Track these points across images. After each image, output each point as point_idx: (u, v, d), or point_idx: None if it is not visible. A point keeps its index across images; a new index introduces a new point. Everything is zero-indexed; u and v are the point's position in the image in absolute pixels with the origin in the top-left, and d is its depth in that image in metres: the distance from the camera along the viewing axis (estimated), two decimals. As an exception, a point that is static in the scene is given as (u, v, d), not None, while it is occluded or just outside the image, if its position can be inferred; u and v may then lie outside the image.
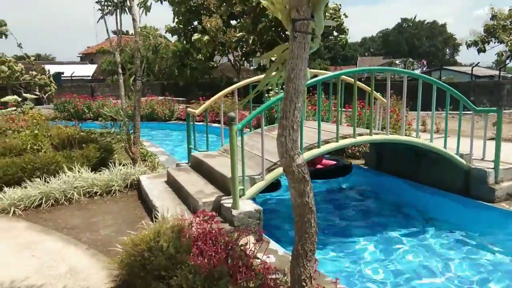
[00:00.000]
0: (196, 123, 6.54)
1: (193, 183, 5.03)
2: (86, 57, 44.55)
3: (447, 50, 71.02)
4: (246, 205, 4.12)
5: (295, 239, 2.41)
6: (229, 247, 3.35)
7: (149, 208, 5.11)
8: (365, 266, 4.42)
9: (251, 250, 3.32)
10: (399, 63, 45.89)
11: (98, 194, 5.70)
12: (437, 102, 5.47)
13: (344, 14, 18.77)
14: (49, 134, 8.24)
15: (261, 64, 22.56)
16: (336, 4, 18.50)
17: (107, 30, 6.92)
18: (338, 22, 18.46)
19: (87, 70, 36.92)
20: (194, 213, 4.26)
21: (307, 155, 4.67)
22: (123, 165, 6.48)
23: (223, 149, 5.96)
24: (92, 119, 14.74)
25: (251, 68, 29.21)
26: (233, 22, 21.01)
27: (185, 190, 4.82)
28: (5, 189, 5.46)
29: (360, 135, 5.24)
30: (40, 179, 5.69)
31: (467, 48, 27.38)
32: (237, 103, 7.04)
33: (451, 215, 5.71)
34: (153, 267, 2.87)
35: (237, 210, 4.02)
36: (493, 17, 23.41)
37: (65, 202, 5.42)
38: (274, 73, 2.57)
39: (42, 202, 5.28)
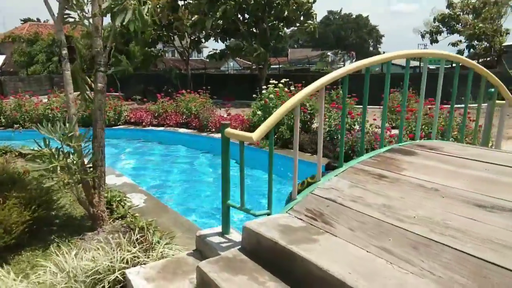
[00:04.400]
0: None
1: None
2: (-9, 47, 37.35)
3: (371, 41, 72.41)
4: None
5: None
6: None
7: None
8: None
9: None
10: (331, 55, 45.43)
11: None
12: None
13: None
14: None
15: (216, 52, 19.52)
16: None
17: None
18: (307, 6, 16.13)
19: (-6, 61, 30.63)
20: None
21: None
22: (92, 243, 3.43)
23: (307, 209, 2.73)
24: (5, 126, 10.75)
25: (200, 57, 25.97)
26: (180, 2, 17.64)
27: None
28: None
29: None
30: None
31: (422, 38, 27.05)
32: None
33: None
34: None
35: None
36: (449, 5, 22.91)
37: None
38: None
39: None
